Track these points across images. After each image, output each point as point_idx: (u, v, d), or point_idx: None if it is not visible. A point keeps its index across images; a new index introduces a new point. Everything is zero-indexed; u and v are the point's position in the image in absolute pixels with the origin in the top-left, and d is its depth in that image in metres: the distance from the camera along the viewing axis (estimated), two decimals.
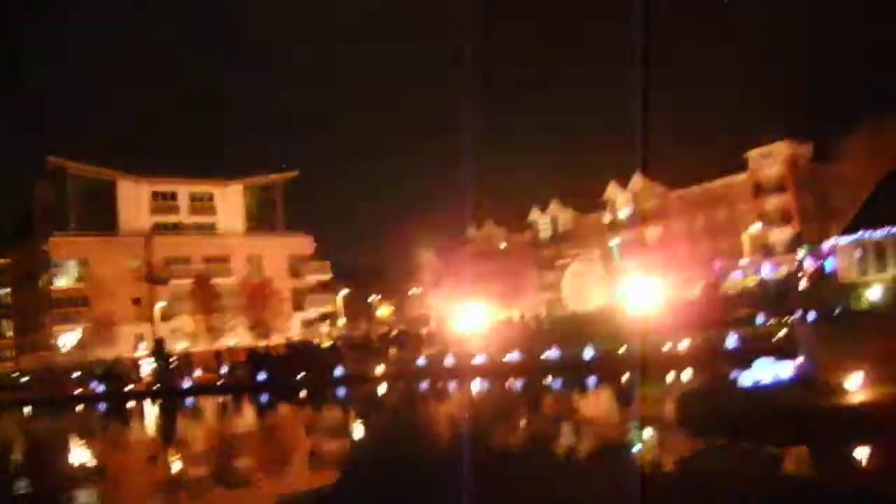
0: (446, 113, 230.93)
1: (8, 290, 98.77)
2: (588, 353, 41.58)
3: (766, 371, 20.74)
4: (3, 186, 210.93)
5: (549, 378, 41.17)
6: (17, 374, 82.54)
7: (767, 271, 63.50)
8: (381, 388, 48.56)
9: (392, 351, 59.40)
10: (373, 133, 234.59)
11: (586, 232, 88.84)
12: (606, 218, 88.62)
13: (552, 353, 43.75)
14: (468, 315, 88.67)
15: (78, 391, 64.92)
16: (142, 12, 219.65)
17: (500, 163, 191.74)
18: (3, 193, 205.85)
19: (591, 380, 37.87)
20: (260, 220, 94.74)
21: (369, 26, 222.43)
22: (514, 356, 45.65)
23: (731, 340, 36.87)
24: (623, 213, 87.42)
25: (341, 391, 49.05)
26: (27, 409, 62.60)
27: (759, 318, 43.72)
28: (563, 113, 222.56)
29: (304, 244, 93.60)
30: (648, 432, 22.43)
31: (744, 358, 31.43)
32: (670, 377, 34.61)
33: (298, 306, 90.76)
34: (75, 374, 68.09)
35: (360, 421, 35.97)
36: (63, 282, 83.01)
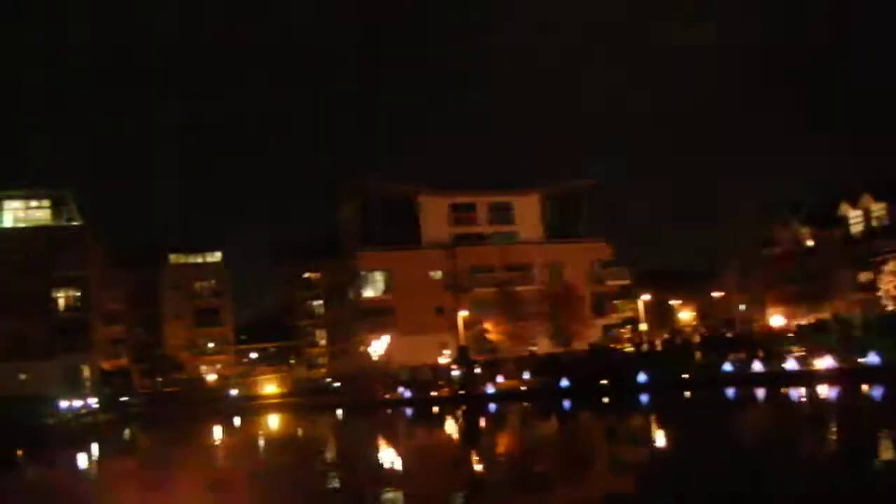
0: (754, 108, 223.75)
1: (320, 301, 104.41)
2: None
3: None
4: (315, 206, 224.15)
5: (866, 386, 38.43)
6: (330, 379, 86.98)
7: None
8: (686, 394, 47.17)
9: (697, 355, 57.49)
10: (668, 139, 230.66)
11: None
12: None
13: (871, 358, 40.74)
14: (774, 318, 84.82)
15: (386, 396, 67.31)
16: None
17: (800, 153, 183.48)
18: (315, 212, 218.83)
19: None
20: (560, 227, 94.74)
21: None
22: (827, 361, 42.93)
23: None
24: None
25: (644, 397, 48.01)
26: (339, 413, 65.56)
27: None
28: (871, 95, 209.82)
29: (604, 250, 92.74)
30: None
31: None
32: None
33: (599, 312, 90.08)
34: (383, 380, 70.64)
35: (662, 429, 34.88)
36: (370, 293, 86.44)
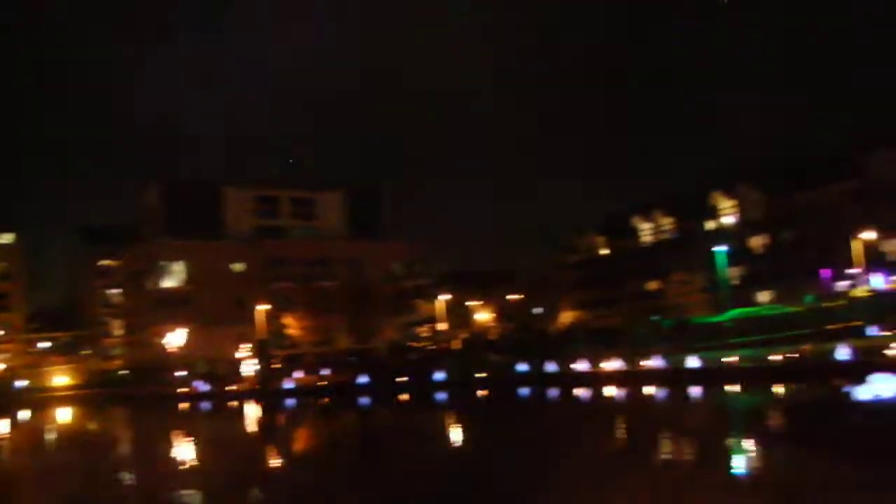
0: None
1: (118, 290, 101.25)
2: (693, 362, 40.44)
3: (886, 386, 19.87)
4: (115, 192, 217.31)
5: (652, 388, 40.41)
6: (125, 371, 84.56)
7: (880, 282, 61.09)
8: (482, 393, 48.24)
9: (493, 357, 58.83)
10: (479, 144, 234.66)
11: (689, 239, 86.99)
12: (710, 225, 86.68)
13: (655, 362, 42.81)
14: (567, 320, 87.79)
15: (182, 389, 66.01)
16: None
17: (598, 171, 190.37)
18: (114, 198, 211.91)
19: (695, 390, 36.93)
20: (362, 224, 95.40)
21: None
22: (614, 364, 44.77)
23: (842, 352, 35.03)
24: (727, 220, 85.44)
25: (441, 395, 48.84)
26: (133, 406, 63.87)
27: (871, 330, 42.10)
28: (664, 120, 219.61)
29: (405, 249, 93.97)
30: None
31: (855, 371, 30.52)
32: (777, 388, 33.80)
33: (399, 310, 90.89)
34: (180, 373, 69.27)
35: (458, 425, 35.70)
36: (169, 283, 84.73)
